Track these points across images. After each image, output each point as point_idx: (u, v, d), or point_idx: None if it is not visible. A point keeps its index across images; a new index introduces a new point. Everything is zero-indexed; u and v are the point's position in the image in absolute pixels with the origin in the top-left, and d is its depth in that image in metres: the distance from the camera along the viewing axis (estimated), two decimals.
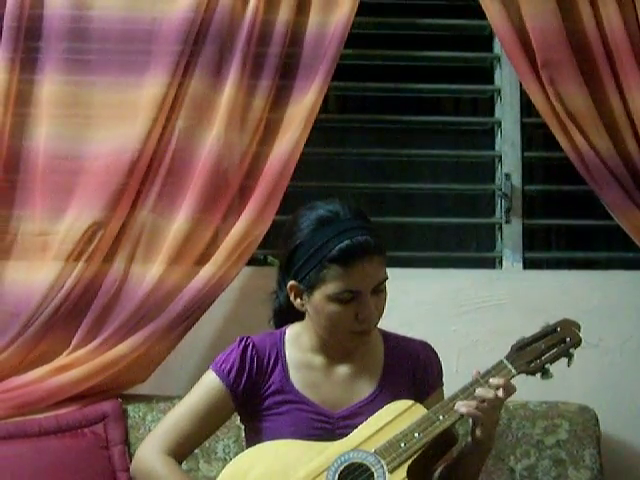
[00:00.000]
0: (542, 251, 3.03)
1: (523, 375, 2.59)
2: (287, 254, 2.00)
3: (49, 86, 2.68)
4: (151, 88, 2.65)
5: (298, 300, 2.01)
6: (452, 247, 3.04)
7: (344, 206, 1.98)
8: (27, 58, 2.68)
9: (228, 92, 2.67)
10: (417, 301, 2.81)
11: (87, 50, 2.69)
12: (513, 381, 1.98)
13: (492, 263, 2.98)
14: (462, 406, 1.91)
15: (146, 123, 2.63)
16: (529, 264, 2.93)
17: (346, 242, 1.91)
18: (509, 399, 2.49)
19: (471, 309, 2.84)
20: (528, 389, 2.66)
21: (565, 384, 2.76)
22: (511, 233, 2.93)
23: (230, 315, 2.77)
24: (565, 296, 2.80)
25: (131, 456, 2.37)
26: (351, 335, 1.98)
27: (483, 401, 1.91)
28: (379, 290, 1.97)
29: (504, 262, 2.93)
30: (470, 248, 3.03)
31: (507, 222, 2.92)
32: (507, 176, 2.92)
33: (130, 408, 2.59)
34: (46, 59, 2.69)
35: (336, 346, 2.03)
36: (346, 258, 1.91)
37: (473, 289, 2.86)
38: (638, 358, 2.84)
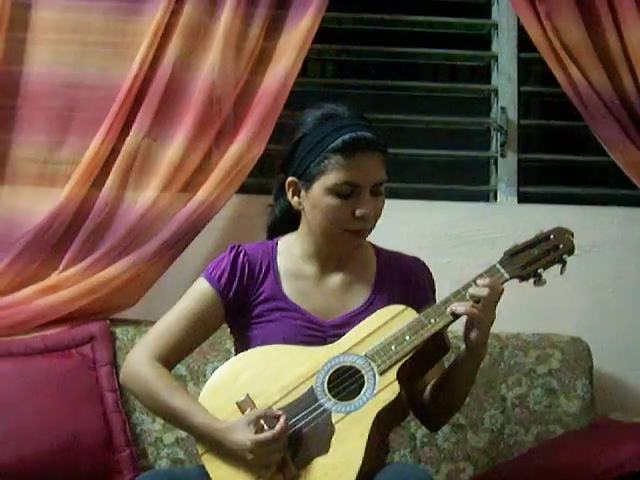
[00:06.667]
0: (536, 186, 3.01)
1: (516, 307, 2.61)
2: (289, 148, 1.98)
3: (45, 11, 2.65)
4: (149, 14, 2.64)
5: (295, 198, 1.99)
6: (447, 181, 3.02)
7: (350, 107, 1.98)
8: None
9: (224, 19, 2.66)
10: (411, 233, 2.79)
11: None
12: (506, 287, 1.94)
13: (486, 197, 2.96)
14: (458, 306, 1.88)
15: (142, 49, 2.62)
16: (523, 198, 2.92)
17: (350, 134, 1.90)
18: (501, 330, 2.53)
19: (465, 242, 2.83)
20: (521, 321, 2.69)
21: (557, 318, 2.79)
22: (506, 167, 2.92)
23: (220, 243, 2.75)
24: None
25: (118, 377, 2.33)
26: (346, 234, 1.95)
27: (477, 301, 1.88)
28: (377, 192, 1.95)
29: (499, 196, 2.92)
30: (465, 182, 3.01)
31: (502, 156, 2.91)
32: (503, 110, 2.90)
33: (118, 330, 2.58)
34: None
35: (329, 249, 2.00)
36: (349, 149, 1.89)
37: (467, 222, 2.85)
38: (630, 294, 2.84)
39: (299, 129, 1.97)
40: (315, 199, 1.94)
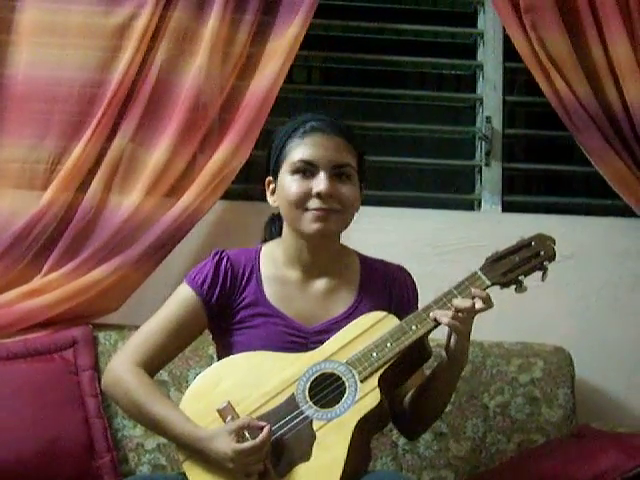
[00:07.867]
0: (521, 195, 3.02)
1: (498, 315, 2.61)
2: (267, 153, 2.05)
3: (28, 14, 2.64)
4: (135, 18, 2.63)
5: (272, 197, 2.04)
6: (432, 189, 3.03)
7: (327, 114, 2.03)
8: None
9: (212, 25, 2.66)
10: (395, 240, 2.78)
11: None
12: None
13: (471, 205, 2.96)
14: (442, 316, 1.88)
15: (128, 53, 2.61)
16: (508, 207, 2.92)
17: (309, 120, 1.99)
18: (484, 338, 2.54)
19: (449, 250, 2.83)
20: (503, 330, 2.69)
21: (540, 327, 2.79)
22: (490, 176, 2.92)
23: (204, 249, 2.73)
24: None
25: (100, 382, 2.32)
26: (307, 215, 1.95)
27: (460, 311, 1.88)
28: (341, 175, 1.97)
29: (483, 205, 2.92)
30: (450, 190, 3.02)
31: (487, 165, 2.91)
32: (488, 119, 2.90)
33: (101, 335, 2.56)
34: None
35: (309, 250, 2.00)
36: (305, 129, 1.97)
37: (451, 230, 2.85)
38: (613, 303, 2.85)
39: (275, 134, 2.05)
40: (280, 185, 2.00)
